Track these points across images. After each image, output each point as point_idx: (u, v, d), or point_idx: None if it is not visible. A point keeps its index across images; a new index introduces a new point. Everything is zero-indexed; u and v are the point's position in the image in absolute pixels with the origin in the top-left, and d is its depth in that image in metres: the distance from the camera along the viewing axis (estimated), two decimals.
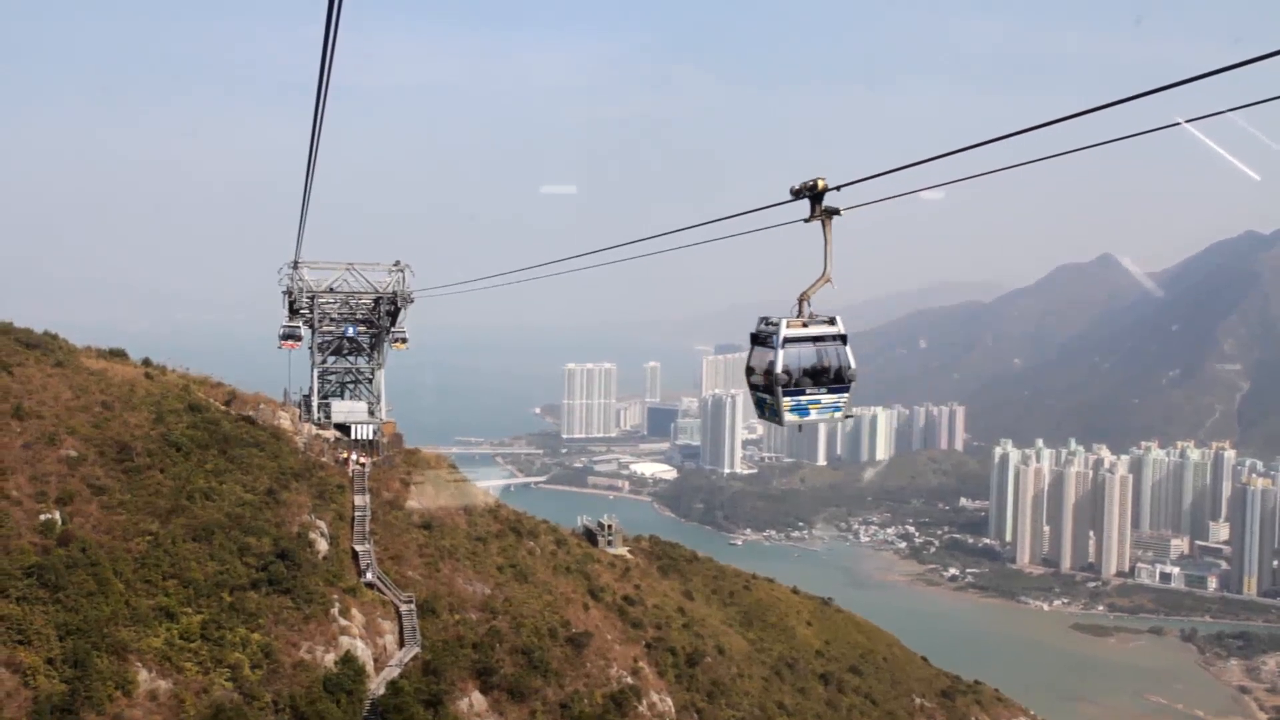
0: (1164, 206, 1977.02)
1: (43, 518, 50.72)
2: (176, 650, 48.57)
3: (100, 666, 44.36)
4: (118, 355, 75.72)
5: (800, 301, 18.52)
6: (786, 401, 19.26)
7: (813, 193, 16.31)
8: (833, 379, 19.41)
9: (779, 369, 19.09)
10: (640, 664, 70.31)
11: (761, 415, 20.43)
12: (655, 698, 68.18)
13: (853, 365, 19.44)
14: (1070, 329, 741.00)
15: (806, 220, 16.61)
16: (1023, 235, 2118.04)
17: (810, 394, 19.33)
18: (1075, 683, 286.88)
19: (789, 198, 16.18)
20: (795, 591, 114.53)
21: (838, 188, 15.85)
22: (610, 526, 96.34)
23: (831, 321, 19.17)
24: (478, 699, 57.17)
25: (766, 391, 19.61)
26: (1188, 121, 13.42)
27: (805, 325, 18.93)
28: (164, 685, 46.70)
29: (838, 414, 19.77)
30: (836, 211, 16.50)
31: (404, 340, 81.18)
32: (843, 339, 19.38)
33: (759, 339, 19.77)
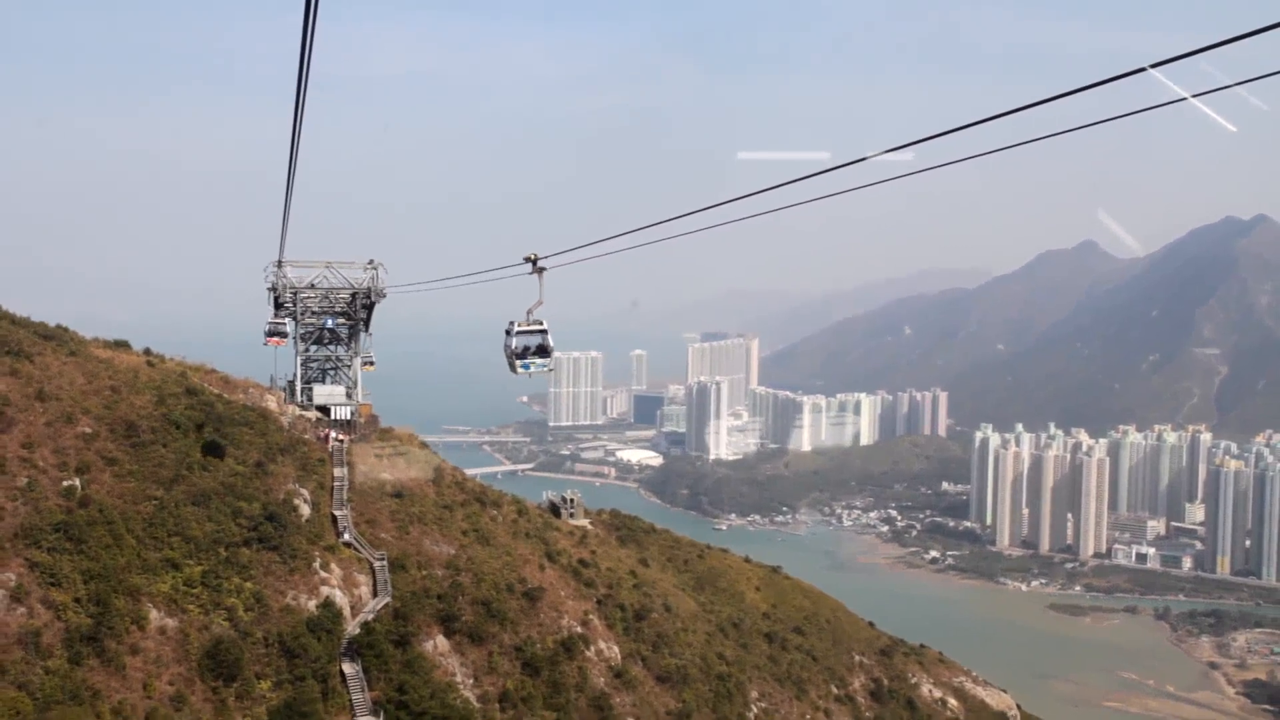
0: (1146, 193, 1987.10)
1: (65, 484, 59.06)
2: (181, 594, 57.26)
3: (118, 606, 52.89)
4: (122, 345, 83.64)
5: (528, 312, 32.29)
6: (519, 364, 34.04)
7: (532, 259, 28.21)
8: (543, 352, 34.77)
9: (514, 346, 33.78)
10: (590, 617, 78.98)
11: (511, 370, 34.62)
12: (603, 645, 76.97)
13: (552, 345, 34.32)
14: (1052, 315, 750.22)
15: (529, 273, 28.60)
16: (1007, 222, 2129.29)
17: (531, 359, 34.20)
18: (1049, 661, 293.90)
19: (522, 262, 26.74)
20: (747, 560, 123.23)
21: (545, 257, 26.58)
22: (573, 500, 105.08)
23: (540, 323, 33.46)
24: (441, 641, 65.90)
25: (510, 358, 34.21)
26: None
27: (528, 325, 33.34)
28: (171, 623, 55.40)
29: (545, 369, 35.40)
30: (544, 269, 28.47)
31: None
32: (546, 332, 33.91)
33: (507, 332, 33.90)
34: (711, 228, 24.88)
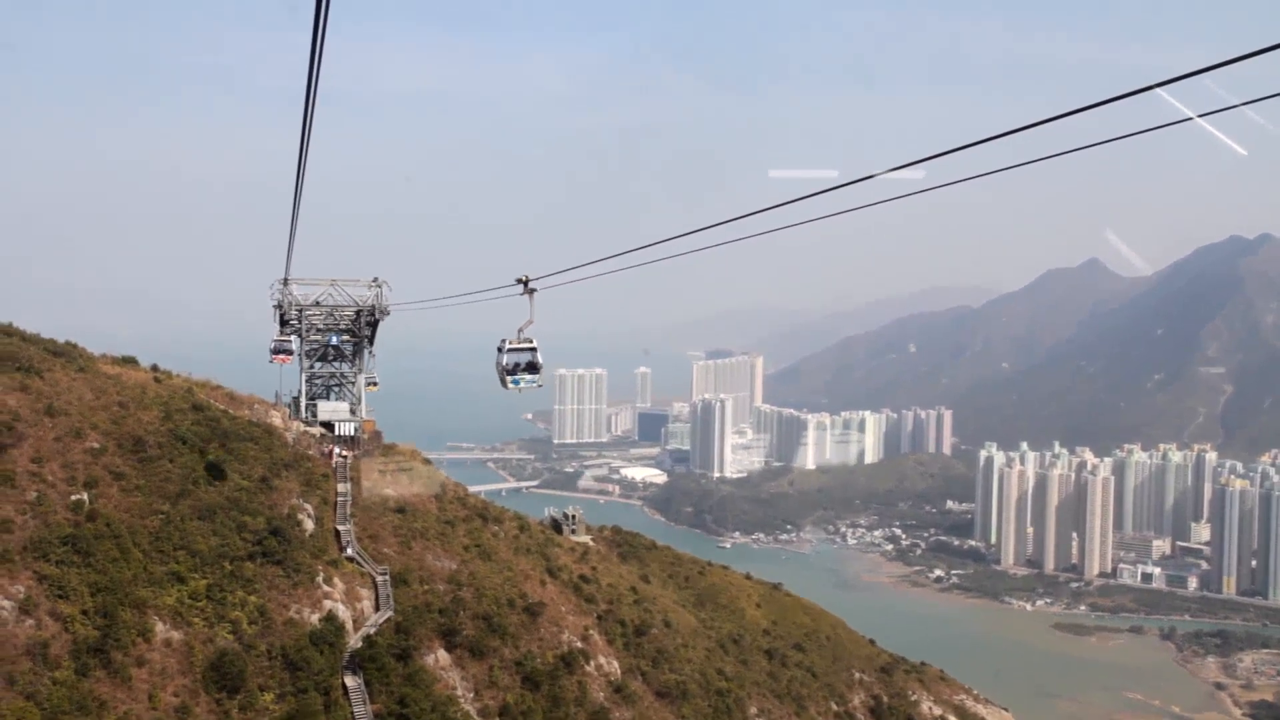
0: (1151, 211, 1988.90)
1: (73, 498, 60.07)
2: (186, 607, 58.14)
3: (125, 618, 53.75)
4: (130, 362, 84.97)
5: (518, 331, 33.55)
6: (509, 379, 35.37)
7: (523, 281, 29.16)
8: (532, 369, 36.60)
9: (504, 363, 35.14)
10: (591, 632, 79.71)
11: (502, 385, 35.87)
12: (602, 660, 77.67)
13: (540, 361, 35.62)
14: (1058, 334, 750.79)
15: (521, 294, 29.44)
16: (1012, 240, 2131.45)
17: (521, 375, 35.50)
18: (1055, 681, 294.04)
19: (514, 283, 27.58)
20: (748, 577, 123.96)
21: (537, 278, 27.29)
22: (574, 516, 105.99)
23: (530, 341, 34.79)
24: (442, 655, 66.68)
25: (500, 374, 35.59)
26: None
27: (519, 342, 34.63)
28: (177, 635, 56.26)
29: (534, 385, 36.26)
30: (535, 290, 29.56)
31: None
32: (535, 350, 35.31)
33: (499, 349, 35.29)
34: (708, 248, 25.61)
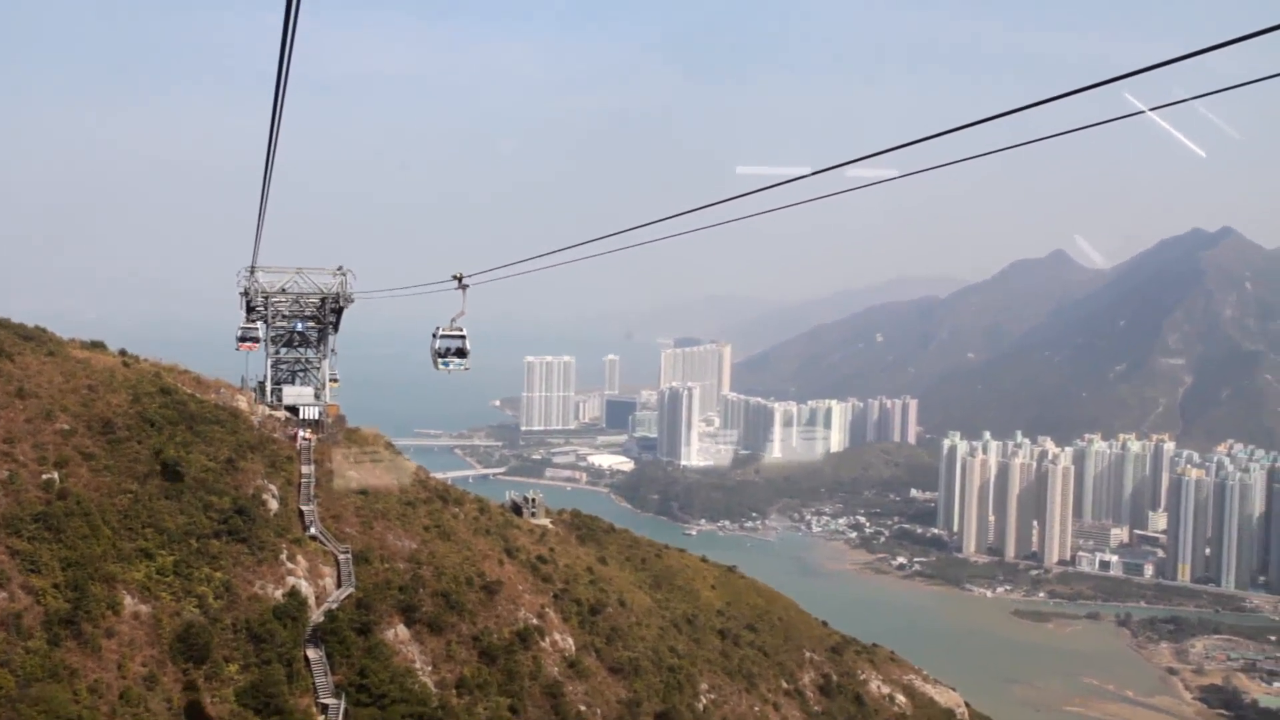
0: (1117, 203, 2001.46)
1: (44, 477, 62.36)
2: (154, 582, 60.80)
3: (95, 592, 56.32)
4: (98, 346, 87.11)
5: (451, 320, 37.14)
6: (440, 362, 39.36)
7: (458, 277, 32.09)
8: (460, 354, 39.79)
9: (437, 347, 39.12)
10: (546, 610, 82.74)
11: (434, 366, 39.87)
12: (558, 637, 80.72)
13: (469, 348, 39.52)
14: (1024, 324, 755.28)
15: (456, 288, 31.62)
16: (980, 231, 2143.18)
17: (450, 359, 39.58)
18: (1012, 666, 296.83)
19: (450, 279, 30.33)
20: (704, 560, 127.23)
21: (469, 275, 30.44)
22: (534, 500, 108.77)
23: (461, 329, 38.75)
24: (402, 630, 69.58)
25: (434, 356, 39.59)
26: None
27: (450, 330, 38.48)
28: (145, 609, 58.88)
29: (462, 368, 40.21)
30: (468, 285, 32.50)
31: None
32: (465, 338, 39.30)
33: (433, 334, 39.10)
34: (658, 240, 27.53)
